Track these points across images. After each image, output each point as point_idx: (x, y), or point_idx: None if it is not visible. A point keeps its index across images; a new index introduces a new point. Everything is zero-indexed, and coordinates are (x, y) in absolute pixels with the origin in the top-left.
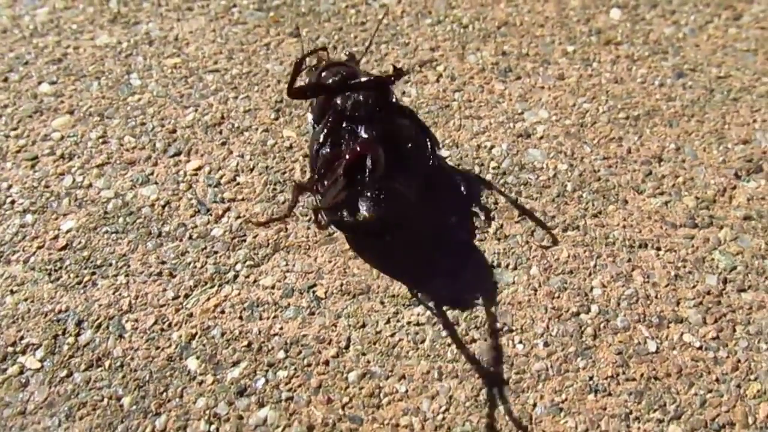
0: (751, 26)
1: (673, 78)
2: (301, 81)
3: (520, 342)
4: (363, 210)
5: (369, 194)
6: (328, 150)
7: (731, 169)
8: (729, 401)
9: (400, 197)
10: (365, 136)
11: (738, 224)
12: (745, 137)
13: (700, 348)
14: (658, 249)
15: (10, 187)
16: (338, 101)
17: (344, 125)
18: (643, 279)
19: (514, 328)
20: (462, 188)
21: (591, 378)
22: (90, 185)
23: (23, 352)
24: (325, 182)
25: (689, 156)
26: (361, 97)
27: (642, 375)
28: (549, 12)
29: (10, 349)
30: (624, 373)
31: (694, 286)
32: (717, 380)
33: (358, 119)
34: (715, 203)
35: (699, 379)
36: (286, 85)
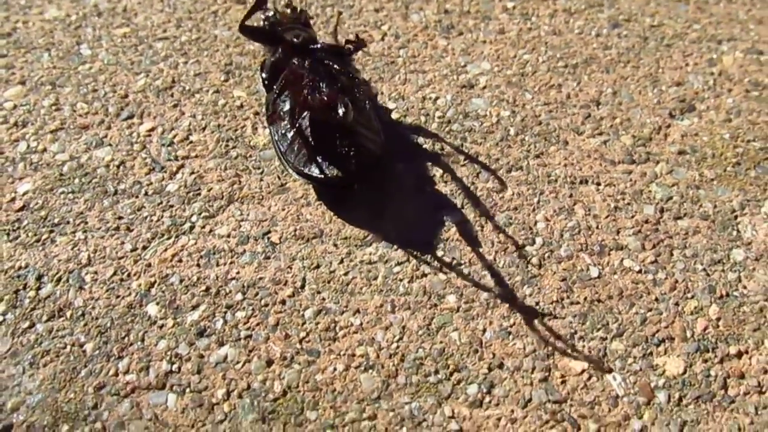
0: None
1: (609, 28)
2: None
3: (469, 274)
4: (333, 168)
5: (338, 150)
6: (291, 103)
7: (666, 109)
8: (668, 318)
9: (366, 151)
10: (328, 90)
11: (673, 158)
12: (679, 80)
13: (639, 272)
14: (598, 184)
15: None
16: (296, 61)
17: (305, 81)
18: (584, 212)
19: (462, 261)
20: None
21: (537, 303)
22: (45, 150)
23: None
24: (289, 135)
25: (626, 99)
26: (322, 56)
27: (585, 299)
28: None
29: None
30: (568, 297)
31: (632, 216)
32: (656, 300)
33: (319, 77)
34: (651, 140)
35: (639, 300)
36: (240, 20)
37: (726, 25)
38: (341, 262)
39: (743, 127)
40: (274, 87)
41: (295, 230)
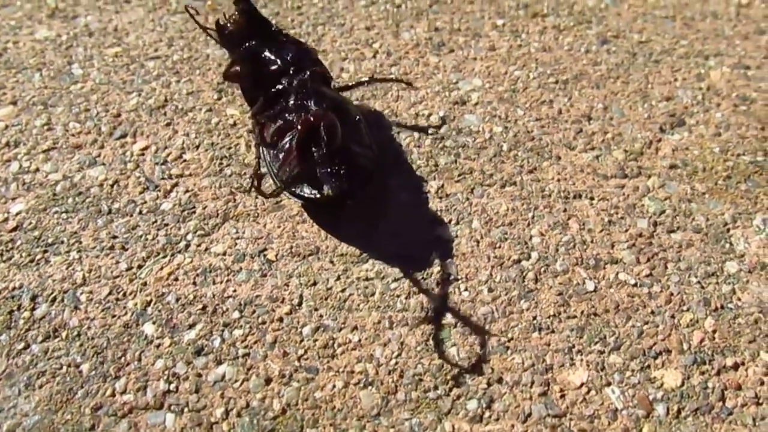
0: None
1: (598, 45)
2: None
3: (466, 289)
4: (326, 187)
5: (329, 169)
6: (279, 123)
7: (656, 123)
8: (664, 330)
9: (360, 168)
10: (315, 108)
11: (665, 173)
12: (668, 94)
13: (635, 285)
14: (592, 199)
15: None
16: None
17: (291, 102)
18: (578, 226)
19: (459, 277)
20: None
21: (534, 318)
22: (37, 170)
23: None
24: (279, 156)
25: (616, 114)
26: (306, 74)
27: (582, 312)
28: None
29: None
30: (565, 311)
31: (626, 230)
32: (652, 313)
33: (305, 95)
34: (643, 155)
35: (635, 313)
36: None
37: (712, 41)
38: (338, 278)
39: (733, 140)
40: (258, 108)
41: (291, 247)
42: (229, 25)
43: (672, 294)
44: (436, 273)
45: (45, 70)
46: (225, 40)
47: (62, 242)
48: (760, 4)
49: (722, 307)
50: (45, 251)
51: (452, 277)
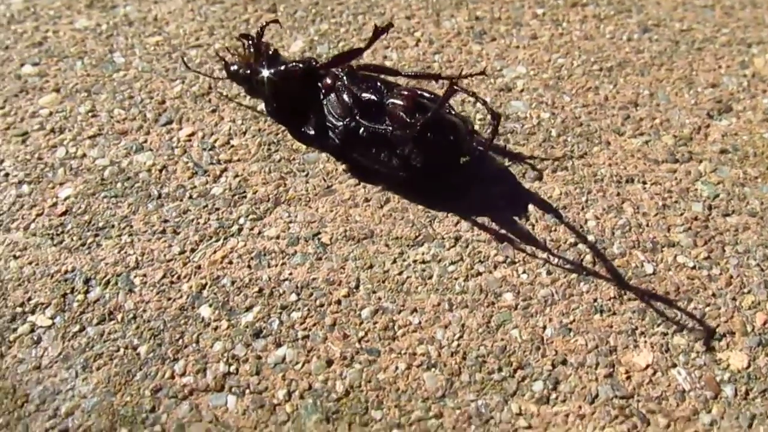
0: None
1: (640, 33)
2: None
3: (524, 272)
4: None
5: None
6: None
7: (703, 109)
8: (726, 313)
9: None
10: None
11: (716, 157)
12: (713, 81)
13: (693, 267)
14: (644, 183)
15: (2, 161)
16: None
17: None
18: (633, 210)
19: (516, 260)
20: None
21: (595, 300)
22: (84, 155)
23: (32, 312)
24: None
25: (663, 100)
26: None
27: (643, 295)
28: None
29: (18, 309)
30: (626, 294)
31: (681, 214)
32: (713, 295)
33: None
34: (692, 140)
35: (696, 295)
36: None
37: (754, 29)
38: (394, 261)
39: None
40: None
41: (345, 231)
42: (238, 60)
43: (732, 276)
44: (493, 256)
45: (86, 58)
46: (240, 76)
47: (113, 226)
48: None
49: None
50: (96, 235)
51: (509, 260)
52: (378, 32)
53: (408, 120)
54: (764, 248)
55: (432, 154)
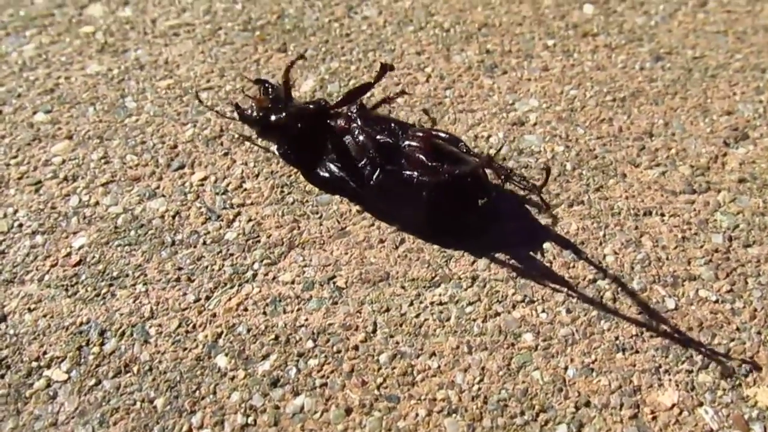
0: (717, 11)
1: (652, 62)
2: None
3: (543, 311)
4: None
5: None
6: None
7: (719, 138)
8: (752, 347)
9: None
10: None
11: (734, 187)
12: (728, 109)
13: (716, 301)
14: (663, 215)
15: (16, 211)
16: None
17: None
18: (652, 243)
19: (535, 299)
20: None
21: (617, 338)
22: (97, 203)
23: (48, 366)
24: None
25: (678, 129)
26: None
27: (665, 331)
28: (525, 11)
29: (34, 364)
30: (648, 330)
31: (701, 246)
32: (737, 329)
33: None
34: (710, 170)
35: (720, 330)
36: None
37: (767, 54)
38: (411, 304)
39: None
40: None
41: (361, 274)
42: (255, 107)
43: (756, 309)
44: (511, 295)
45: (98, 104)
46: (253, 119)
47: (127, 275)
48: None
49: None
50: (110, 285)
51: (528, 299)
52: (384, 69)
53: (428, 163)
54: None
55: (452, 197)
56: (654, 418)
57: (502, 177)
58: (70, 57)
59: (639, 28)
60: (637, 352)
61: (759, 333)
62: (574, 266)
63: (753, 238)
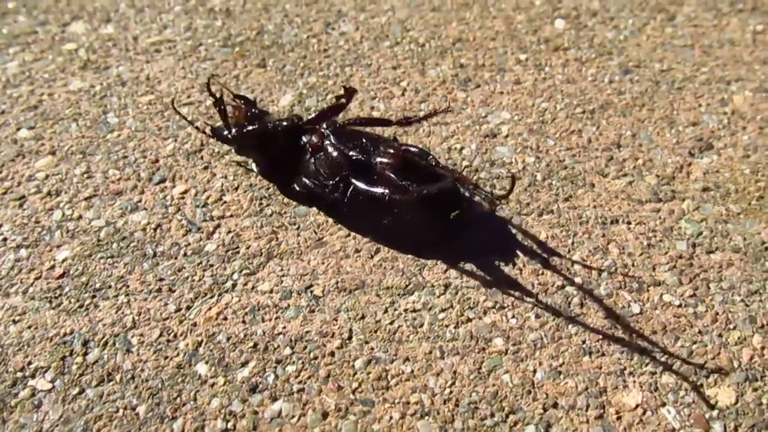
0: (685, 25)
1: (621, 75)
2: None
3: (513, 317)
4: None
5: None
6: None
7: (685, 148)
8: (713, 349)
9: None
10: (390, 151)
11: (698, 195)
12: (694, 120)
13: (680, 306)
14: (629, 223)
15: (0, 226)
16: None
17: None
18: (618, 251)
19: (505, 305)
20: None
21: (584, 342)
22: (80, 217)
23: (33, 376)
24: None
25: (645, 140)
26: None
27: (630, 335)
28: (498, 27)
29: (19, 374)
30: (613, 334)
31: (666, 252)
32: (700, 332)
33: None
34: (675, 179)
35: (683, 333)
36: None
37: (732, 67)
38: (386, 311)
39: (762, 162)
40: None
41: (337, 282)
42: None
43: (717, 313)
44: (483, 302)
45: (81, 120)
46: (227, 139)
47: (110, 287)
48: None
49: None
50: (93, 296)
51: (498, 305)
52: (349, 92)
53: (398, 182)
54: (748, 284)
55: (424, 210)
56: (619, 418)
57: (470, 188)
58: (53, 74)
59: (609, 42)
60: (603, 355)
61: (720, 336)
62: (543, 273)
63: (716, 244)
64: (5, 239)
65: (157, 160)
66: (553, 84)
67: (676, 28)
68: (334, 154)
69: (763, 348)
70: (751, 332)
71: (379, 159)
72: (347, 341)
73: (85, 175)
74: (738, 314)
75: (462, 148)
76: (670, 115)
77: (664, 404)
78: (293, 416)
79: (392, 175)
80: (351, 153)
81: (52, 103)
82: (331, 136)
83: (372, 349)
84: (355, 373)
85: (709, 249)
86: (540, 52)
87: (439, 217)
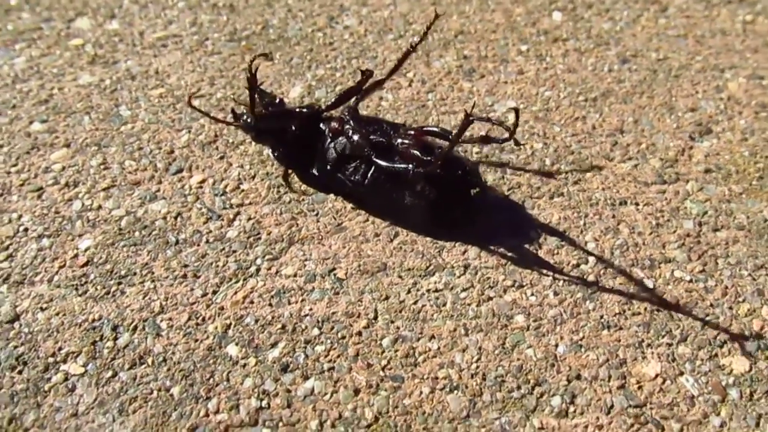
0: (677, 16)
1: (619, 64)
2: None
3: (532, 294)
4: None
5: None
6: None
7: (685, 132)
8: (725, 321)
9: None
10: (411, 132)
11: (701, 177)
12: (692, 106)
13: (690, 281)
14: (637, 204)
15: (20, 216)
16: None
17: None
18: (629, 230)
19: (524, 283)
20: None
21: (602, 317)
22: (100, 207)
23: (64, 361)
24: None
25: (647, 126)
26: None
27: (645, 309)
28: (498, 20)
29: (50, 359)
30: (629, 309)
31: (674, 231)
32: (711, 305)
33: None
34: (678, 162)
35: (695, 307)
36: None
37: (725, 56)
38: (408, 292)
39: (759, 144)
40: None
41: (359, 265)
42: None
43: (726, 287)
44: (502, 281)
45: (93, 113)
46: (248, 125)
47: (135, 274)
48: (764, 20)
49: None
50: (119, 283)
51: (518, 284)
52: (365, 75)
53: (423, 158)
54: (754, 259)
55: (445, 189)
56: (640, 387)
57: (489, 123)
58: (61, 69)
59: (605, 33)
60: (620, 328)
61: (731, 308)
62: (558, 253)
63: (721, 222)
64: (26, 229)
65: (172, 151)
66: (555, 73)
67: (669, 19)
68: (356, 136)
69: None
70: (759, 304)
71: (400, 140)
72: (373, 321)
73: (102, 167)
74: (746, 288)
75: (471, 136)
76: (669, 102)
77: (682, 373)
78: (326, 393)
79: (416, 152)
80: (372, 136)
81: (62, 97)
82: (351, 121)
83: (398, 328)
84: (383, 351)
85: (714, 227)
86: (540, 43)
87: (460, 195)
